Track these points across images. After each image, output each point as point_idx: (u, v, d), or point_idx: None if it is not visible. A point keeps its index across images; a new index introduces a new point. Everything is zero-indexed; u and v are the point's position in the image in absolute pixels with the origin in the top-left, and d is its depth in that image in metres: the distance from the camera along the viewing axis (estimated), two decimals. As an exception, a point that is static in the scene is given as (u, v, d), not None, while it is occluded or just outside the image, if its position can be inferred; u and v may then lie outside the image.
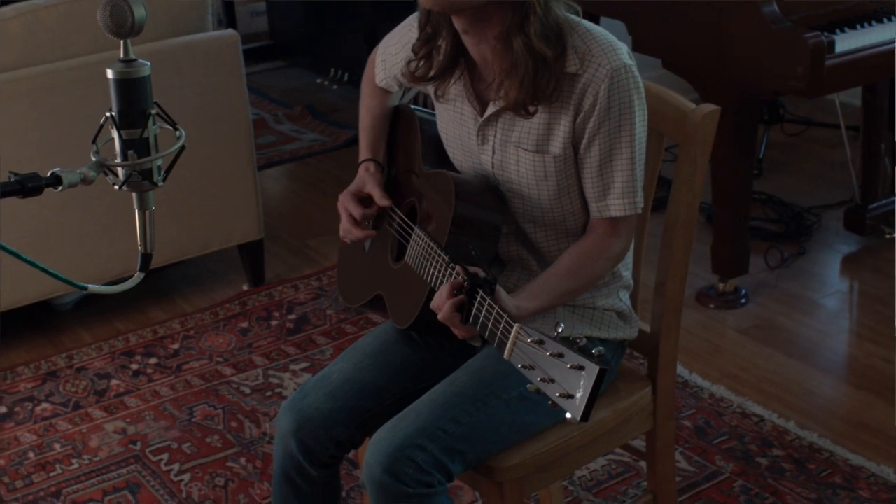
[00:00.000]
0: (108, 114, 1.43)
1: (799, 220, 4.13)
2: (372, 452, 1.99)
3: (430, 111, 2.34)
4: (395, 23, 2.30)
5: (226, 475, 2.96)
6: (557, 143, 2.02)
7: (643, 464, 2.92)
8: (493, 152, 2.10)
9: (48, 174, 1.38)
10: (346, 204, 2.24)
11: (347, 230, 2.25)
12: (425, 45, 2.08)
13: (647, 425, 2.33)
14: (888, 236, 3.94)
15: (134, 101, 1.43)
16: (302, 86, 5.94)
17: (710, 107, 2.17)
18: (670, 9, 3.47)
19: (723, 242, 3.60)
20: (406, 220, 2.19)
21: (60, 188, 1.39)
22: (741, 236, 3.61)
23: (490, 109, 2.06)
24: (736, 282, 3.67)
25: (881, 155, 3.97)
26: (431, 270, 2.01)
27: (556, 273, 2.05)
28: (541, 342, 1.68)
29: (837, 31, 3.26)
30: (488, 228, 2.10)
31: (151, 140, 1.44)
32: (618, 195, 2.04)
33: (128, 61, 1.43)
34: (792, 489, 2.82)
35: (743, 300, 3.66)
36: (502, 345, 1.76)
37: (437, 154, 2.26)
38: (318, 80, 5.92)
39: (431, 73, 2.10)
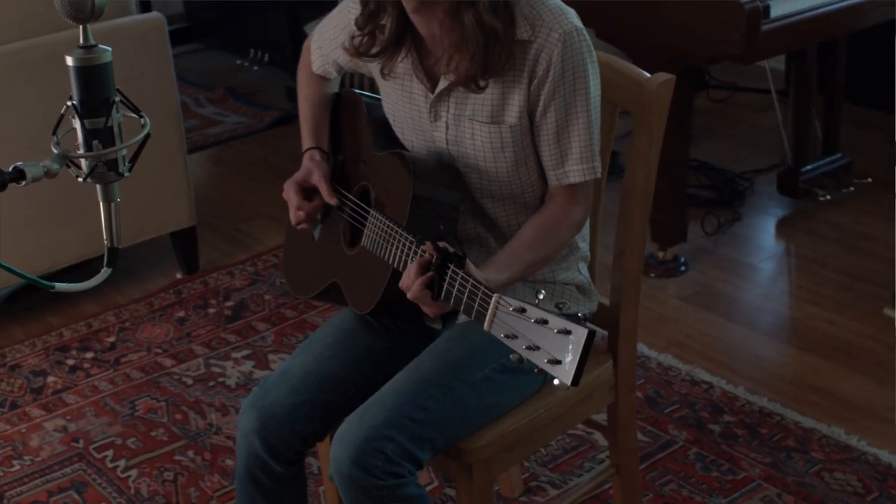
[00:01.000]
0: (68, 103, 1.36)
1: (732, 185, 4.14)
2: (339, 446, 1.94)
3: (374, 95, 2.30)
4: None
5: (174, 469, 2.89)
6: (513, 112, 1.99)
7: (597, 436, 2.91)
8: (447, 128, 2.06)
9: (10, 168, 1.31)
10: (290, 195, 2.19)
11: (296, 219, 2.20)
12: (369, 22, 2.04)
13: (609, 399, 2.32)
14: (822, 198, 3.98)
15: (96, 88, 1.37)
16: (221, 68, 5.83)
17: (664, 76, 2.15)
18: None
19: (661, 211, 3.59)
20: (360, 203, 2.15)
21: (24, 183, 1.32)
22: (680, 205, 3.61)
23: (441, 85, 2.02)
24: (675, 250, 3.67)
25: (812, 119, 4.00)
26: (393, 251, 1.97)
27: (521, 245, 2.02)
28: (522, 310, 1.65)
29: (771, -5, 3.26)
30: (447, 206, 2.07)
31: (116, 129, 1.38)
32: (576, 161, 2.01)
33: (88, 47, 1.36)
34: (746, 454, 2.83)
35: (683, 268, 3.67)
36: (481, 316, 1.72)
37: (387, 136, 2.21)
38: (238, 62, 5.80)
39: (375, 50, 2.05)
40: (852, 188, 4.03)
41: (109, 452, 2.96)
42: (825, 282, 3.56)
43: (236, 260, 3.91)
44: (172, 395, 3.19)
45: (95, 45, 1.36)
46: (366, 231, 2.09)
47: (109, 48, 1.37)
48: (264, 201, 4.29)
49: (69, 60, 1.36)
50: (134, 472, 2.88)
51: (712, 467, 2.80)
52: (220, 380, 3.24)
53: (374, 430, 1.93)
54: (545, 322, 1.63)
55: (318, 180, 2.18)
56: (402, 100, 2.11)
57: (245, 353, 3.37)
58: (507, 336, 1.67)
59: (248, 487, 2.10)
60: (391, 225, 1.99)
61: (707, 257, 3.75)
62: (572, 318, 1.61)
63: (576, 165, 2.01)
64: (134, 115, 1.39)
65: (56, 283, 1.35)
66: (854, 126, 4.32)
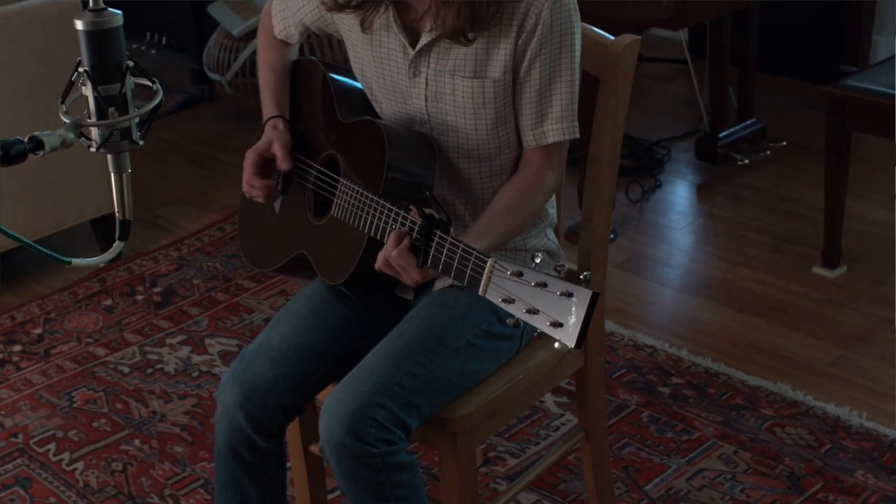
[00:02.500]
0: (80, 69, 1.30)
1: (650, 154, 4.18)
2: (330, 415, 1.91)
3: (333, 64, 2.26)
4: None
5: (122, 459, 2.81)
6: (497, 67, 1.97)
7: (549, 404, 2.92)
8: (427, 84, 2.03)
9: (27, 138, 1.25)
10: (247, 165, 2.14)
11: (249, 191, 2.15)
12: None
13: (579, 363, 2.32)
14: (740, 163, 4.04)
15: (108, 53, 1.31)
16: (116, 52, 5.68)
17: (630, 37, 2.15)
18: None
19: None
20: (327, 172, 2.10)
21: (41, 153, 1.26)
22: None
23: (424, 40, 1.99)
24: (605, 218, 3.69)
25: (727, 86, 4.06)
26: (368, 219, 1.94)
27: (497, 212, 2.01)
28: (520, 273, 1.64)
29: (695, -39, 3.29)
30: (421, 173, 2.04)
31: (129, 96, 1.32)
32: (556, 119, 2.00)
33: (97, 10, 1.30)
34: (698, 414, 2.86)
35: (612, 235, 3.69)
36: (475, 281, 1.70)
37: (351, 103, 2.17)
38: (135, 46, 5.66)
39: (355, 2, 2.01)
40: (768, 152, 4.11)
41: (52, 446, 2.87)
42: (752, 244, 3.62)
43: (158, 245, 3.82)
44: (110, 384, 3.10)
45: (105, 8, 1.31)
46: (336, 200, 2.05)
47: (119, 12, 1.31)
48: (179, 185, 4.20)
49: (79, 24, 1.30)
50: (80, 465, 2.80)
51: (666, 429, 2.82)
52: (158, 366, 3.16)
53: (364, 398, 1.90)
54: (545, 285, 1.61)
55: (277, 147, 2.14)
56: (377, 57, 2.07)
57: (180, 338, 3.29)
58: (504, 300, 1.65)
59: (230, 463, 2.05)
60: (365, 193, 1.96)
61: (634, 224, 3.79)
62: (575, 279, 1.60)
63: (556, 124, 2.00)
64: (146, 81, 1.33)
65: (73, 259, 1.28)
66: (764, 93, 4.39)
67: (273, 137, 2.16)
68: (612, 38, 2.16)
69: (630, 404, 2.92)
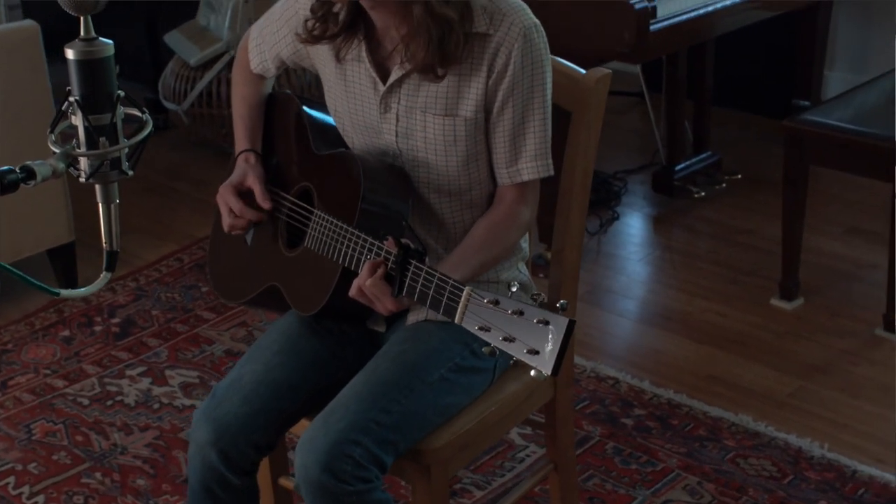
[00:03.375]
0: (70, 98, 1.29)
1: (607, 186, 4.22)
2: (306, 453, 1.90)
3: (307, 98, 2.27)
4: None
5: (84, 492, 2.77)
6: (469, 105, 1.98)
7: (514, 436, 2.92)
8: (397, 120, 2.03)
9: (18, 167, 1.24)
10: (226, 199, 2.13)
11: (232, 224, 2.14)
12: (323, 6, 2.00)
13: (549, 395, 2.32)
14: (696, 195, 4.08)
15: (100, 83, 1.30)
16: (67, 81, 5.64)
17: (601, 71, 2.17)
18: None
19: (548, 213, 3.62)
20: (301, 204, 2.10)
21: (33, 183, 1.25)
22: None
23: (394, 76, 2.00)
24: (563, 250, 3.71)
25: (683, 120, 4.11)
26: (343, 250, 1.94)
27: (472, 245, 2.02)
28: (497, 302, 1.65)
29: (654, -5, 3.33)
30: (396, 204, 2.04)
31: (119, 126, 1.32)
32: (530, 158, 2.02)
33: (88, 39, 1.30)
34: (661, 445, 2.88)
35: (572, 267, 3.71)
36: (451, 309, 1.71)
37: (325, 137, 2.18)
38: (87, 75, 5.63)
39: (329, 33, 2.02)
40: (724, 184, 4.15)
41: (11, 479, 2.82)
42: (710, 276, 3.65)
43: (116, 276, 3.78)
44: (69, 416, 3.06)
45: (96, 38, 1.30)
46: (309, 231, 2.05)
47: (111, 41, 1.30)
48: (136, 215, 4.17)
49: (70, 54, 1.30)
50: (41, 498, 2.76)
51: (631, 460, 2.83)
52: (118, 398, 3.13)
53: (340, 435, 1.89)
54: (521, 313, 1.63)
55: (253, 181, 2.14)
56: (350, 91, 2.08)
57: (140, 370, 3.26)
58: (480, 328, 1.67)
59: (204, 501, 2.03)
60: (339, 224, 1.96)
61: (593, 256, 3.81)
62: (551, 307, 1.61)
63: (530, 163, 2.02)
64: (136, 111, 1.32)
65: (62, 290, 1.27)
66: (719, 127, 4.45)
67: (247, 171, 2.16)
68: (583, 71, 2.18)
69: (594, 436, 2.93)
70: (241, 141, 2.22)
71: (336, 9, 1.99)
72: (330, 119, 2.20)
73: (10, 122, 3.40)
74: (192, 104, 4.56)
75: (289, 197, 2.14)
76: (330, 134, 2.18)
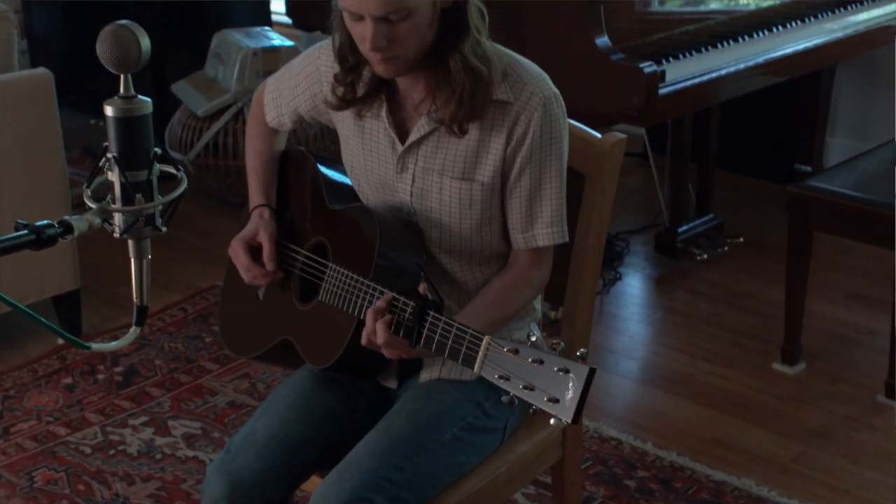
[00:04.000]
0: (108, 155, 1.31)
1: (610, 246, 4.23)
2: (319, 509, 1.90)
3: (320, 154, 2.30)
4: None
5: (85, 542, 2.77)
6: (486, 171, 2.00)
7: (517, 496, 2.92)
8: (413, 181, 2.06)
9: (56, 222, 1.25)
10: (238, 254, 2.15)
11: (252, 278, 2.15)
12: (350, 74, 2.03)
13: (557, 455, 2.33)
14: (698, 258, 4.11)
15: (137, 140, 1.32)
16: (74, 128, 5.64)
17: (616, 135, 2.20)
18: (504, 42, 3.50)
19: (554, 272, 3.64)
20: (315, 258, 2.12)
21: (70, 237, 1.26)
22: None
23: (413, 136, 2.02)
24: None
25: (686, 182, 4.14)
26: (360, 303, 1.96)
27: (485, 304, 2.04)
28: (516, 351, 1.67)
29: (663, 60, 3.37)
30: (410, 260, 2.06)
31: (155, 182, 1.33)
32: (546, 224, 2.04)
33: (128, 97, 1.32)
34: (664, 508, 2.88)
35: (574, 327, 3.72)
36: (470, 359, 1.74)
37: (340, 192, 2.20)
38: (92, 122, 5.66)
39: (357, 96, 2.04)
40: (726, 247, 4.18)
41: (12, 527, 2.82)
42: (711, 338, 3.67)
43: (119, 324, 3.79)
44: (71, 464, 3.05)
45: (135, 96, 1.32)
46: (324, 285, 2.06)
47: (149, 99, 1.32)
48: (139, 264, 4.17)
49: (108, 111, 1.32)
50: (42, 547, 2.75)
51: (634, 522, 2.84)
52: (121, 448, 3.12)
53: (353, 493, 1.89)
54: (541, 362, 1.65)
55: (264, 238, 2.15)
56: (367, 149, 2.10)
57: (143, 419, 3.25)
58: (500, 377, 1.69)
59: (216, 555, 2.03)
60: (355, 277, 1.98)
61: (595, 316, 3.78)
62: (571, 356, 1.63)
63: (546, 229, 2.04)
64: (171, 168, 1.34)
65: (92, 344, 1.28)
66: (722, 190, 4.48)
67: (259, 226, 2.18)
68: (598, 135, 2.21)
69: (597, 497, 2.93)
70: (255, 195, 2.24)
71: (362, 70, 2.02)
72: (344, 177, 2.22)
73: (23, 168, 3.42)
74: (199, 154, 4.58)
75: (302, 251, 2.16)
76: (344, 190, 2.20)
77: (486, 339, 1.71)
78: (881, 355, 3.41)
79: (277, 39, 4.76)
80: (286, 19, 4.52)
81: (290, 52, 4.67)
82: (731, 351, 3.59)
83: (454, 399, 2.06)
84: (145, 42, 1.29)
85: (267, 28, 4.99)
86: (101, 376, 3.48)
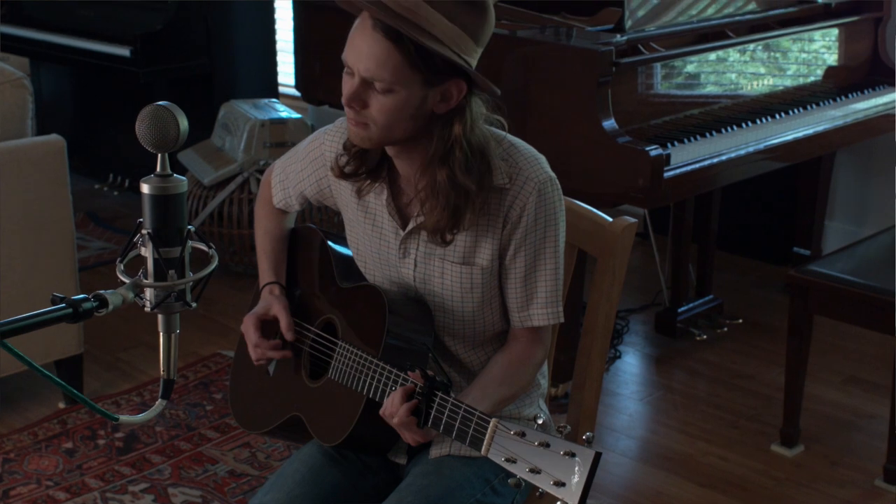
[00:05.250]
0: (144, 231, 1.34)
1: (610, 324, 4.26)
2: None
3: (330, 231, 2.34)
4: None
5: None
6: (485, 255, 2.04)
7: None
8: (415, 265, 2.09)
9: (92, 296, 1.28)
10: (249, 330, 2.18)
11: (259, 355, 2.18)
12: (356, 149, 2.07)
13: (560, 533, 2.34)
14: (698, 338, 4.14)
15: (171, 218, 1.35)
16: (78, 191, 5.68)
17: (627, 220, 2.24)
18: (512, 123, 3.56)
19: (559, 349, 3.67)
20: (324, 336, 2.15)
21: (105, 311, 1.29)
22: (574, 343, 3.69)
23: (412, 224, 2.06)
24: (566, 386, 3.75)
25: (687, 262, 4.18)
26: (368, 381, 1.98)
27: (492, 380, 2.07)
28: (523, 434, 1.70)
29: (668, 143, 3.43)
30: (419, 337, 2.09)
31: (187, 259, 1.37)
32: (541, 305, 2.08)
33: (164, 176, 1.35)
34: (663, 589, 2.88)
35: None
36: (477, 441, 1.76)
37: (348, 270, 2.23)
38: (97, 186, 5.72)
39: (360, 171, 2.08)
40: (725, 328, 4.21)
41: (10, 592, 2.81)
42: (711, 419, 3.69)
43: (121, 389, 3.81)
44: (70, 530, 3.06)
45: (171, 175, 1.36)
46: (333, 363, 2.09)
47: (184, 178, 1.36)
48: (142, 330, 4.20)
49: (145, 188, 1.35)
50: None
51: None
52: (120, 515, 3.13)
53: (364, 566, 1.91)
54: (548, 445, 1.68)
55: (279, 311, 2.18)
56: (371, 233, 2.13)
57: (143, 486, 3.26)
58: (507, 460, 1.72)
59: None
60: (364, 356, 2.01)
61: (595, 393, 3.83)
62: (577, 439, 1.66)
63: (541, 309, 2.08)
64: (203, 246, 1.37)
65: (120, 416, 1.30)
66: (722, 271, 4.52)
67: (272, 302, 2.21)
68: (609, 219, 2.24)
69: (596, 575, 2.93)
70: (265, 274, 2.27)
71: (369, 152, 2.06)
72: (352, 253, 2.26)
73: (34, 234, 3.45)
74: (203, 223, 4.62)
75: (312, 328, 2.18)
76: (353, 268, 2.23)
77: (493, 421, 1.74)
78: (880, 440, 3.43)
79: (285, 111, 4.83)
80: (293, 91, 4.59)
81: (297, 124, 4.73)
82: (729, 432, 3.61)
83: (463, 476, 2.08)
84: (183, 123, 1.33)
85: (274, 100, 5.05)
86: (101, 441, 3.48)
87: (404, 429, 1.89)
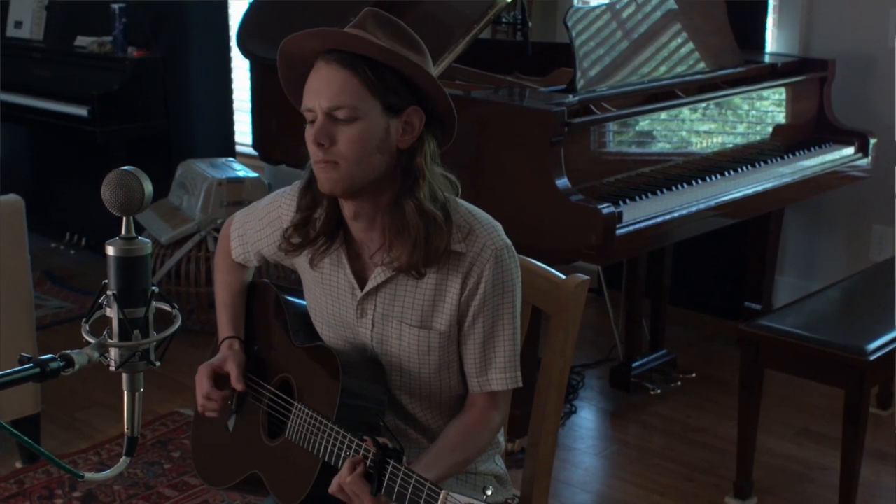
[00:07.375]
0: (109, 292, 1.38)
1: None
2: None
3: (286, 286, 2.36)
4: None
5: None
6: (443, 319, 2.08)
7: None
8: (373, 326, 2.12)
9: (59, 355, 1.31)
10: (201, 381, 2.21)
11: (203, 406, 2.21)
12: (303, 213, 2.11)
13: (519, 592, 2.36)
14: (652, 392, 4.19)
15: (136, 279, 1.39)
16: (35, 250, 5.66)
17: (579, 277, 2.29)
18: (465, 183, 3.61)
19: (514, 405, 3.71)
20: (281, 395, 2.17)
21: (70, 371, 1.32)
22: (529, 398, 3.72)
23: (371, 283, 2.09)
24: (523, 441, 3.78)
25: (641, 318, 4.25)
26: (324, 444, 2.00)
27: (446, 446, 2.09)
28: None
29: (621, 201, 3.49)
30: (374, 400, 2.12)
31: (151, 319, 1.40)
32: (500, 370, 2.11)
33: (129, 238, 1.39)
34: None
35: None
36: None
37: (304, 329, 2.25)
38: (53, 245, 5.72)
39: (309, 238, 2.11)
40: (679, 382, 4.27)
41: None
42: (665, 472, 3.73)
43: (77, 449, 3.80)
44: (27, 592, 3.04)
45: (136, 237, 1.39)
46: (290, 423, 2.11)
47: (149, 241, 1.39)
48: (98, 389, 4.20)
49: (110, 251, 1.38)
50: None
51: None
52: (78, 575, 3.12)
53: None
54: None
55: (232, 366, 2.21)
56: (328, 295, 2.17)
57: (100, 546, 3.25)
58: None
59: None
60: (319, 418, 2.03)
61: (551, 448, 3.87)
62: None
63: (499, 374, 2.11)
64: (166, 306, 1.41)
65: (86, 474, 1.33)
66: (674, 326, 4.59)
67: (228, 357, 2.23)
68: (562, 276, 2.29)
69: None
70: (224, 327, 2.30)
71: (316, 214, 2.09)
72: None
73: (-12, 293, 3.46)
74: (161, 281, 4.64)
75: (269, 387, 2.21)
76: (309, 325, 2.26)
77: (442, 493, 1.77)
78: (832, 491, 3.48)
79: (242, 170, 4.87)
80: (251, 150, 4.63)
81: (255, 183, 4.77)
82: (684, 485, 3.65)
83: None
84: (148, 187, 1.37)
85: (232, 159, 5.10)
86: (59, 501, 3.47)
87: (356, 497, 1.91)
